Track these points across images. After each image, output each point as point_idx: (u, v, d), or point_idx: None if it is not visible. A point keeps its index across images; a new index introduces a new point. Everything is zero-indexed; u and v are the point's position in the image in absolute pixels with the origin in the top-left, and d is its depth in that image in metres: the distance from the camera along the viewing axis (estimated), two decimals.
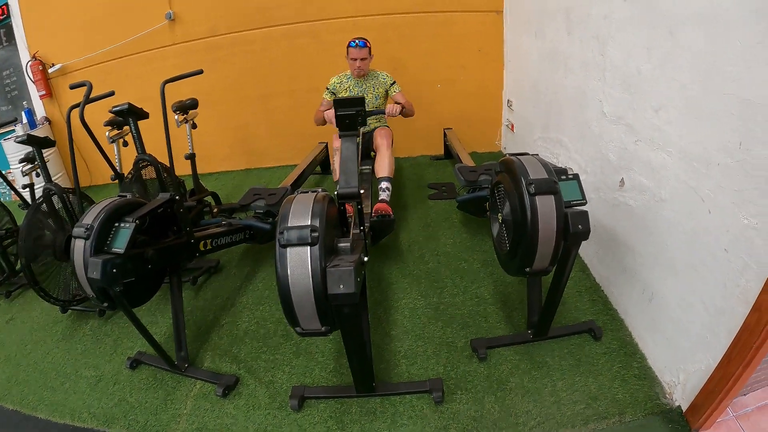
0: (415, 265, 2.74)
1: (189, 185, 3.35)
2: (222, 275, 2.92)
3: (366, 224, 2.36)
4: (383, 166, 2.88)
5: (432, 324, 2.27)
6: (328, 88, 3.10)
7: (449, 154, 3.99)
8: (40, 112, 5.33)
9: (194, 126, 3.39)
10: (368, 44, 2.93)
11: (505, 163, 1.82)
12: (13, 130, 5.05)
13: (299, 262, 1.44)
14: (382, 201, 2.72)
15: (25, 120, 5.01)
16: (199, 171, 4.90)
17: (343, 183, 1.85)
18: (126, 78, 4.62)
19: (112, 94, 2.82)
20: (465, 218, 3.10)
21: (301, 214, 1.51)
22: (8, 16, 4.86)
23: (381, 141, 2.97)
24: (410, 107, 3.01)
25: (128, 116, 2.84)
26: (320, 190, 1.66)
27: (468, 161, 3.25)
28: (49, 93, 5.05)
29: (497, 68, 3.86)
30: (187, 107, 3.27)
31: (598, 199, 2.23)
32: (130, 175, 2.93)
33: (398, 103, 2.92)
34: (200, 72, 2.99)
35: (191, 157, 3.39)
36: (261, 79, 4.29)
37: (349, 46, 2.92)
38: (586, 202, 1.67)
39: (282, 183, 3.21)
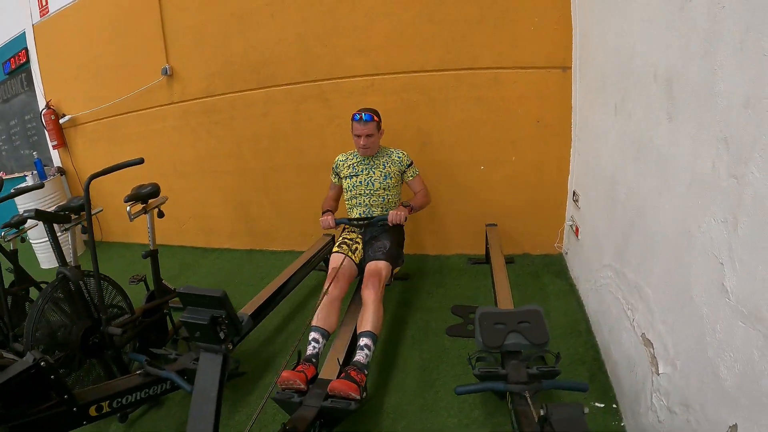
0: None
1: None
2: (163, 411, 2.31)
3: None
4: (366, 319, 2.20)
5: None
6: (333, 168, 2.79)
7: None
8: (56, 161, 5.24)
9: (161, 215, 2.85)
10: (375, 118, 2.52)
11: None
12: (24, 178, 4.97)
13: None
14: (352, 370, 1.94)
15: (35, 171, 4.75)
16: (201, 245, 4.47)
17: None
18: (126, 137, 4.45)
19: (141, 161, 2.46)
20: None
21: None
22: (27, 62, 4.96)
23: (368, 292, 2.28)
24: (425, 199, 2.73)
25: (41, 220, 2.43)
26: None
27: (503, 291, 2.26)
28: (61, 143, 5.04)
29: (561, 146, 2.89)
30: (145, 195, 2.67)
31: None
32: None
33: (413, 194, 2.74)
34: (141, 161, 2.46)
35: (151, 255, 2.82)
36: (263, 149, 3.78)
37: (353, 120, 2.53)
38: None
39: (262, 290, 2.60)
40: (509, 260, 3.08)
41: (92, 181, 2.30)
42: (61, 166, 5.17)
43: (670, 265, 1.45)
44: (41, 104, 4.89)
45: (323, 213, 2.65)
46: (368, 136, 2.50)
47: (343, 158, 2.74)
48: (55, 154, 5.16)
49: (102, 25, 4.13)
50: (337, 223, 2.58)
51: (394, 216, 2.43)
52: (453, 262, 3.31)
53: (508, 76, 2.84)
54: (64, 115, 4.76)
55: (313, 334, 2.16)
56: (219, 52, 3.58)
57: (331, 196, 2.83)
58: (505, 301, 2.18)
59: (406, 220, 2.47)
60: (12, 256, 3.14)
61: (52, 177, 4.94)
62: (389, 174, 2.63)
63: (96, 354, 2.38)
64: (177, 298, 3.02)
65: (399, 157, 2.64)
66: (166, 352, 2.32)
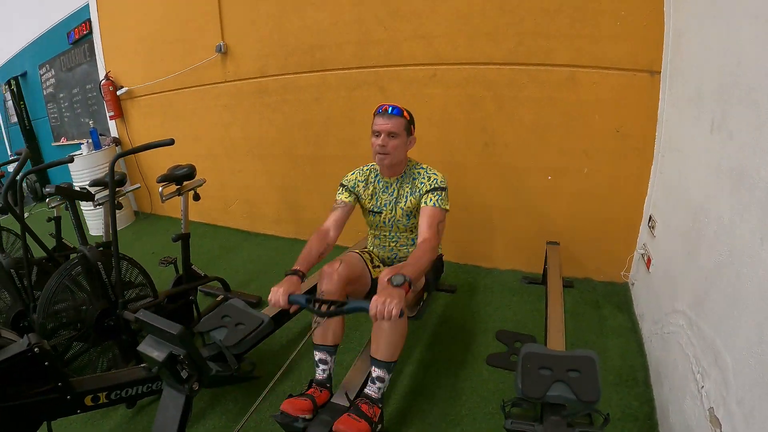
0: None
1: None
2: None
3: None
4: (378, 343, 1.82)
5: None
6: (343, 185, 2.21)
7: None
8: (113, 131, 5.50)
9: (196, 197, 2.90)
10: (406, 114, 1.99)
11: None
12: (80, 146, 5.20)
13: None
14: (363, 403, 1.73)
15: (90, 140, 4.96)
16: (246, 228, 4.52)
17: None
18: (179, 112, 4.58)
19: (171, 142, 2.42)
20: None
21: None
22: (90, 32, 5.13)
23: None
24: (425, 258, 1.80)
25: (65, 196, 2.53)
26: None
27: (556, 324, 2.07)
28: (118, 114, 5.28)
29: (641, 162, 2.59)
30: (180, 177, 2.68)
31: None
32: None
33: (416, 244, 1.98)
34: (171, 142, 2.41)
35: (182, 238, 2.84)
36: (313, 136, 3.73)
37: (375, 113, 2.00)
38: None
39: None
40: (568, 284, 2.86)
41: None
42: (117, 136, 5.39)
43: (763, 334, 1.23)
44: (101, 75, 5.12)
45: (286, 273, 1.81)
46: (391, 135, 1.94)
47: (360, 176, 2.18)
48: (112, 125, 5.39)
49: None
50: (291, 303, 1.69)
51: (380, 311, 1.47)
52: (506, 279, 3.11)
53: (586, 76, 2.58)
54: (121, 87, 4.96)
55: (318, 355, 1.91)
56: (274, 32, 3.55)
57: (319, 235, 2.03)
58: (557, 335, 1.98)
59: (402, 315, 1.49)
60: (56, 222, 3.29)
61: (106, 147, 5.16)
62: (411, 211, 2.10)
63: (112, 336, 2.41)
64: (210, 283, 3.12)
65: (422, 183, 2.04)
66: None
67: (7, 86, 7.07)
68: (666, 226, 2.27)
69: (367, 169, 2.20)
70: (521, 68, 2.74)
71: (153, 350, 1.63)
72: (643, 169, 2.56)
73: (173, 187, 2.78)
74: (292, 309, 1.73)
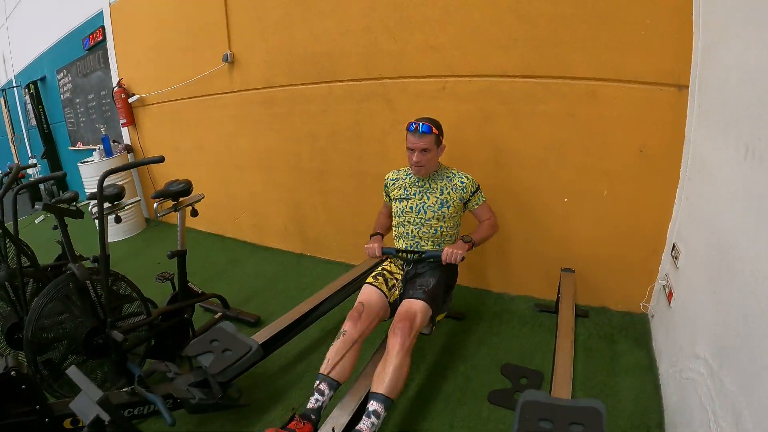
0: None
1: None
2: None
3: None
4: (382, 377, 1.86)
5: None
6: (384, 188, 2.56)
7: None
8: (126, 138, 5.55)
9: (194, 213, 2.82)
10: (435, 130, 2.22)
11: None
12: (91, 152, 5.32)
13: None
14: None
15: (101, 147, 5.02)
16: (253, 241, 4.51)
17: None
18: (188, 121, 4.59)
19: (161, 159, 2.45)
20: None
21: None
22: (104, 40, 5.23)
23: (394, 339, 1.93)
24: (491, 230, 2.39)
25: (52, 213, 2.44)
26: None
27: (564, 361, 1.92)
28: (130, 121, 5.32)
29: (666, 186, 2.39)
30: (175, 193, 2.68)
31: None
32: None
33: (479, 223, 2.41)
34: (161, 159, 2.41)
35: (178, 255, 2.77)
36: (320, 150, 3.64)
37: (407, 130, 2.25)
38: None
39: (287, 313, 2.48)
40: (583, 313, 2.69)
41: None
42: (129, 143, 5.41)
43: None
44: (114, 82, 5.16)
45: (372, 235, 2.41)
46: (424, 150, 2.21)
47: (395, 176, 2.48)
48: (125, 131, 5.42)
49: (171, 6, 4.22)
50: (384, 253, 2.32)
51: (450, 254, 2.11)
52: (517, 306, 2.94)
53: (608, 91, 2.41)
54: (133, 95, 4.98)
55: (319, 384, 1.89)
56: (281, 42, 3.48)
57: (385, 213, 2.60)
58: (564, 377, 1.81)
59: (463, 260, 2.13)
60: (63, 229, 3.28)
61: (118, 154, 5.20)
62: (447, 202, 2.31)
63: (101, 354, 2.37)
64: (206, 300, 3.04)
65: (462, 182, 2.32)
66: (168, 368, 2.23)
67: (26, 90, 7.23)
68: (690, 258, 2.08)
69: (402, 170, 2.48)
70: (538, 81, 2.59)
71: (80, 411, 1.57)
72: (667, 193, 2.37)
73: (169, 203, 2.72)
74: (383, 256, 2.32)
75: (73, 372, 1.65)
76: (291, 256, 4.15)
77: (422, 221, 2.33)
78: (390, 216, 2.54)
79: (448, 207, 2.31)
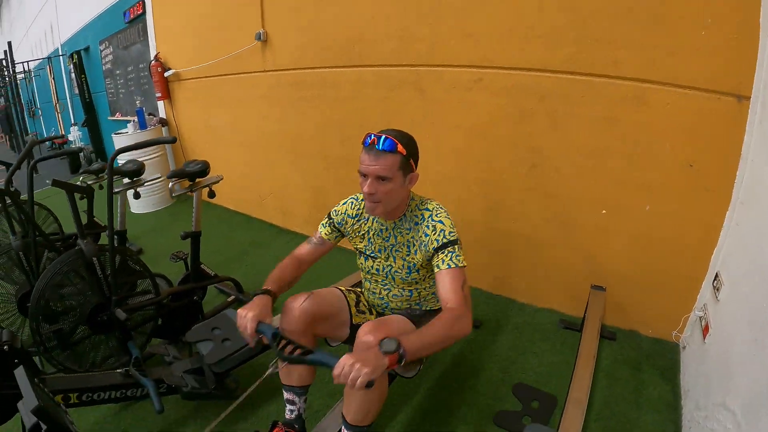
0: None
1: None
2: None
3: None
4: (351, 403, 1.54)
5: None
6: (330, 217, 1.83)
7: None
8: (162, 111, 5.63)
9: (211, 195, 2.78)
10: (401, 149, 1.49)
11: None
12: (126, 124, 5.40)
13: None
14: None
15: (136, 119, 5.10)
16: (278, 224, 4.52)
17: None
18: (219, 99, 4.60)
19: (173, 140, 2.52)
20: None
21: None
22: (144, 13, 5.25)
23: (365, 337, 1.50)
24: (450, 330, 1.37)
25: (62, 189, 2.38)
26: None
27: (579, 389, 1.80)
28: (165, 95, 5.37)
29: (715, 207, 2.16)
30: (191, 174, 2.66)
31: None
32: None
33: (440, 308, 1.52)
34: (173, 140, 2.48)
35: (191, 236, 2.76)
36: (346, 136, 3.56)
37: (363, 144, 1.54)
38: None
39: None
40: (611, 335, 2.51)
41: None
42: (164, 117, 5.48)
43: None
44: (152, 55, 5.22)
45: (255, 293, 1.54)
46: (380, 179, 1.50)
47: (351, 210, 1.79)
48: (161, 105, 5.50)
49: None
50: (257, 333, 1.41)
51: (343, 375, 1.16)
52: (540, 319, 2.77)
53: (657, 95, 2.19)
54: (169, 69, 5.02)
55: (285, 395, 1.75)
56: (312, 22, 3.40)
57: (302, 258, 1.78)
58: (577, 407, 1.68)
59: (370, 386, 1.16)
60: (88, 199, 3.36)
61: (152, 127, 5.27)
62: (415, 265, 1.68)
63: (105, 331, 2.39)
64: (220, 283, 3.03)
65: (427, 234, 1.59)
66: (167, 351, 2.23)
67: (71, 59, 7.44)
68: (734, 291, 1.87)
69: (362, 201, 1.77)
70: (581, 78, 2.38)
71: (24, 414, 1.49)
72: (716, 215, 2.14)
73: (186, 184, 2.70)
74: (255, 342, 1.43)
75: (19, 375, 1.60)
76: None
77: (392, 285, 1.79)
78: (309, 263, 1.80)
79: (417, 271, 1.70)
